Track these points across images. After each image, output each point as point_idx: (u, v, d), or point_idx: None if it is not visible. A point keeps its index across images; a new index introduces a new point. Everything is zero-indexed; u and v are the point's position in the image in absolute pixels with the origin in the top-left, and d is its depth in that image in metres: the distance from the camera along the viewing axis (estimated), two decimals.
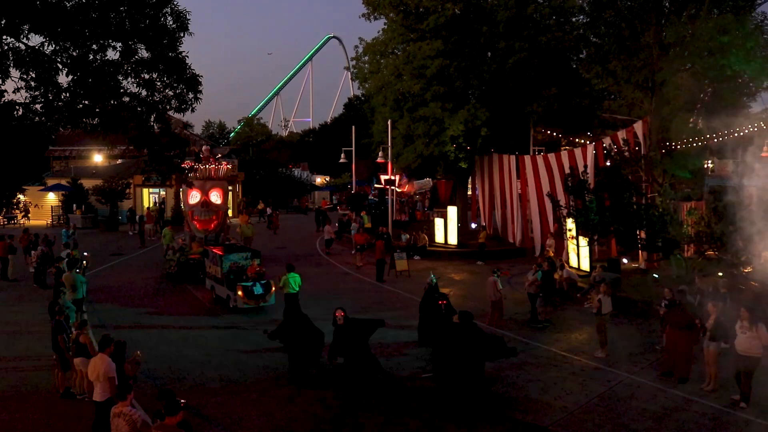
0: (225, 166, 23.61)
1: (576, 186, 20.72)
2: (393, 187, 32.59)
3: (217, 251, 19.09)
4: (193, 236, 23.34)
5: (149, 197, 44.69)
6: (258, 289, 17.39)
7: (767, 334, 10.84)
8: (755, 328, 10.83)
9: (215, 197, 22.56)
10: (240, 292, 17.17)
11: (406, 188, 40.46)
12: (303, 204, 55.19)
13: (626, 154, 22.03)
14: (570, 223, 22.32)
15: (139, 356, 9.99)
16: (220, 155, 25.25)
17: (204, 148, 25.92)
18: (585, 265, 21.90)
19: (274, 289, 17.60)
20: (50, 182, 43.67)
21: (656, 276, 18.91)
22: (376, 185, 49.70)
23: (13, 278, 21.84)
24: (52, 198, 42.20)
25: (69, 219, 38.36)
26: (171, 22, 15.21)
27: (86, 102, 14.50)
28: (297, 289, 16.43)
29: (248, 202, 48.47)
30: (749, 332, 10.85)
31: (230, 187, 30.57)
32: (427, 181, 50.23)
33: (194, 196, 22.49)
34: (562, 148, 30.97)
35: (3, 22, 13.03)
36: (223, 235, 23.37)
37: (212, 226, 22.65)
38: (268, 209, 42.71)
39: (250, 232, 26.78)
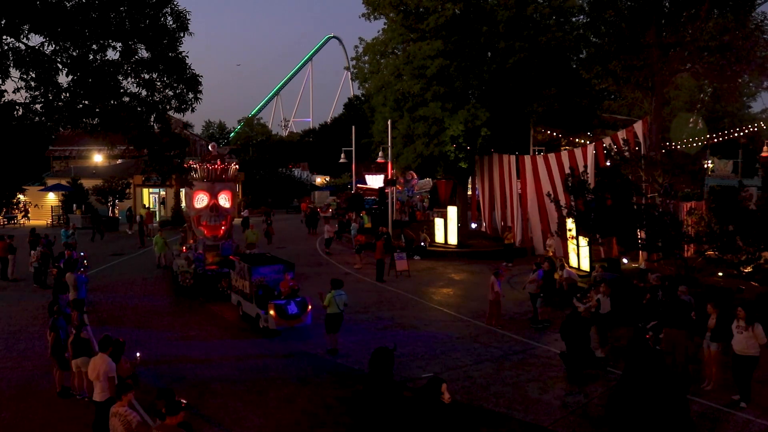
0: (233, 166, 21.28)
1: (576, 186, 20.69)
2: (390, 189, 32.56)
3: (244, 263, 16.96)
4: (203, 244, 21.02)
5: (149, 197, 44.76)
6: (293, 308, 15.10)
7: (763, 333, 10.84)
8: (751, 328, 10.84)
9: (224, 200, 20.59)
10: (272, 311, 14.90)
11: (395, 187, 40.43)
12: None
13: (626, 154, 22.02)
14: (570, 223, 22.32)
15: (138, 358, 9.97)
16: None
17: (214, 149, 25.58)
18: (585, 265, 21.93)
19: (310, 307, 15.43)
20: (50, 182, 43.76)
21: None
22: (358, 185, 49.76)
23: (14, 278, 21.88)
24: (52, 198, 42.24)
25: (69, 219, 38.40)
26: (171, 22, 15.20)
27: (86, 102, 14.47)
28: (342, 308, 14.13)
29: (248, 202, 48.47)
30: (746, 332, 10.86)
31: None
32: (427, 181, 50.26)
33: (201, 200, 20.40)
34: (562, 148, 30.96)
35: (3, 22, 13.04)
36: (234, 241, 21.70)
37: (221, 232, 20.61)
38: (249, 211, 42.51)
39: (255, 237, 26.51)
